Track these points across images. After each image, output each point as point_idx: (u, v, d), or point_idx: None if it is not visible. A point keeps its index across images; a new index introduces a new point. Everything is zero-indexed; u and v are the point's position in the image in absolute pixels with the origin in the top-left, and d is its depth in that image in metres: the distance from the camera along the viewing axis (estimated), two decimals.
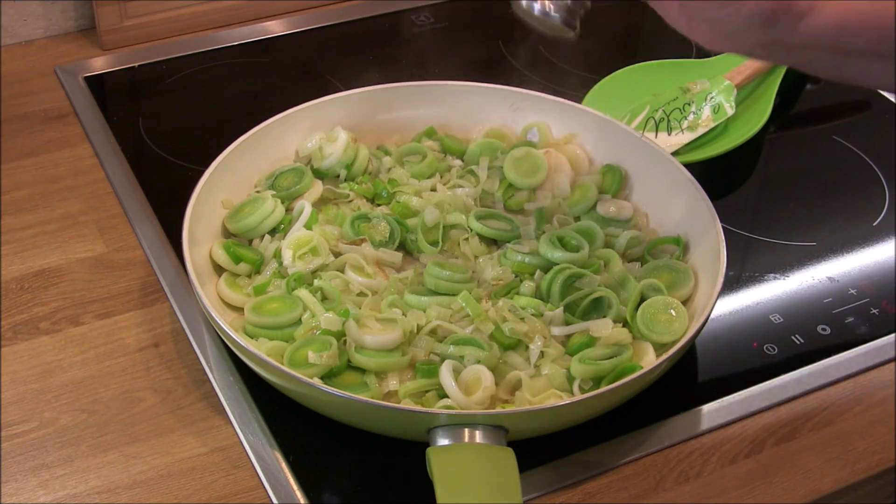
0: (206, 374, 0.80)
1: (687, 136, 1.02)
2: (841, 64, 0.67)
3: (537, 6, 0.78)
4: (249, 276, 0.85)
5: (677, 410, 0.79)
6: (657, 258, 0.86)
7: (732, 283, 0.89)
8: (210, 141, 0.91)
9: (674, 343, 0.76)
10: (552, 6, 0.78)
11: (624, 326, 0.79)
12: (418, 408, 0.73)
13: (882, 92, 1.14)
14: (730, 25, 0.65)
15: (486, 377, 0.74)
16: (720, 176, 1.01)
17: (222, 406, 0.78)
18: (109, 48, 1.17)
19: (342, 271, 0.84)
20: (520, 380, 0.75)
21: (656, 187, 0.91)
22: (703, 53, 1.11)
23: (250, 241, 0.88)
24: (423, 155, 0.95)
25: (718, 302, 0.78)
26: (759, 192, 1.02)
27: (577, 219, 0.91)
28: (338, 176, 0.93)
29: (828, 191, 1.01)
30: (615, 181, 0.93)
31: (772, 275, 0.91)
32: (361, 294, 0.82)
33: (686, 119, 1.03)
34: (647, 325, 0.78)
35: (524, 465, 0.69)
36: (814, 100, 1.14)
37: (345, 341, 0.76)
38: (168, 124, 1.07)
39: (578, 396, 0.73)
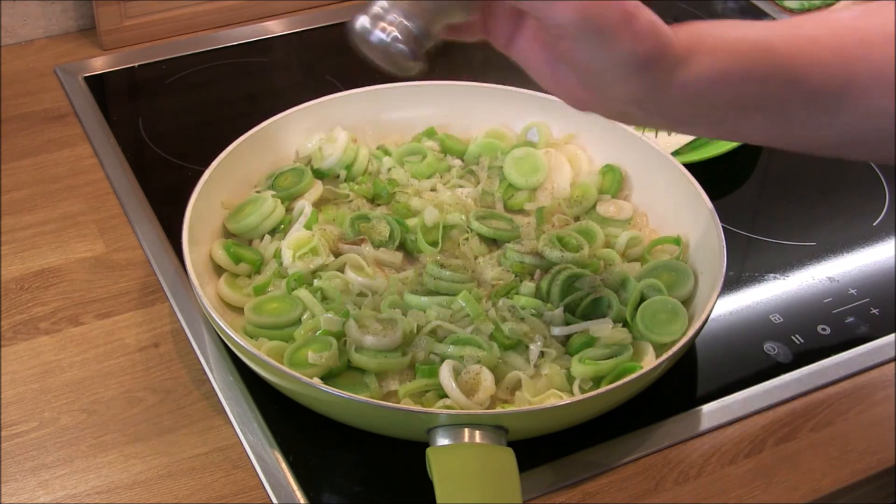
0: (206, 374, 0.80)
1: (687, 136, 1.02)
2: (719, 120, 0.64)
3: (376, 34, 0.64)
4: (249, 276, 0.85)
5: (677, 410, 0.78)
6: (657, 258, 0.86)
7: (732, 283, 0.89)
8: (210, 141, 0.90)
9: (674, 343, 0.76)
10: (395, 35, 0.64)
11: (624, 326, 0.79)
12: (418, 408, 0.73)
13: None
14: (601, 72, 0.60)
15: (487, 377, 0.74)
16: (720, 176, 1.01)
17: (222, 406, 0.78)
18: (109, 48, 1.17)
19: (342, 271, 0.84)
20: (520, 380, 0.75)
21: (656, 187, 0.91)
22: None
23: (250, 242, 0.88)
24: (423, 155, 0.95)
25: (718, 302, 0.78)
26: (759, 192, 1.02)
27: (577, 219, 0.91)
28: (338, 176, 0.93)
29: (828, 191, 1.01)
30: (615, 181, 0.93)
31: (772, 275, 0.91)
32: (361, 294, 0.82)
33: None
34: (647, 325, 0.78)
35: (524, 465, 0.69)
36: None
37: (345, 341, 0.76)
38: (168, 124, 1.07)
39: (578, 396, 0.73)
